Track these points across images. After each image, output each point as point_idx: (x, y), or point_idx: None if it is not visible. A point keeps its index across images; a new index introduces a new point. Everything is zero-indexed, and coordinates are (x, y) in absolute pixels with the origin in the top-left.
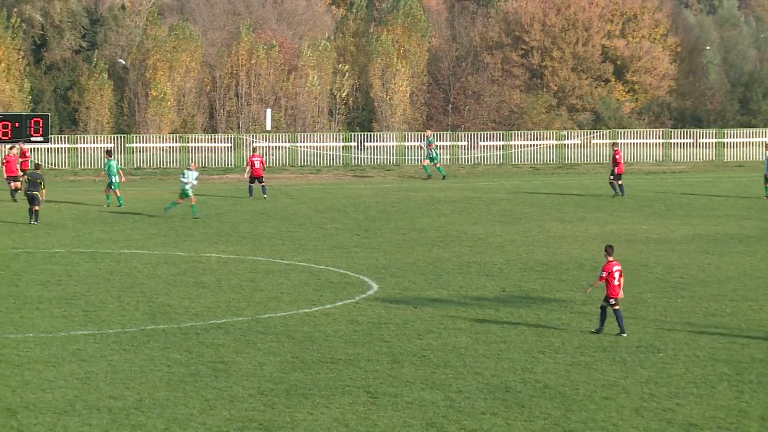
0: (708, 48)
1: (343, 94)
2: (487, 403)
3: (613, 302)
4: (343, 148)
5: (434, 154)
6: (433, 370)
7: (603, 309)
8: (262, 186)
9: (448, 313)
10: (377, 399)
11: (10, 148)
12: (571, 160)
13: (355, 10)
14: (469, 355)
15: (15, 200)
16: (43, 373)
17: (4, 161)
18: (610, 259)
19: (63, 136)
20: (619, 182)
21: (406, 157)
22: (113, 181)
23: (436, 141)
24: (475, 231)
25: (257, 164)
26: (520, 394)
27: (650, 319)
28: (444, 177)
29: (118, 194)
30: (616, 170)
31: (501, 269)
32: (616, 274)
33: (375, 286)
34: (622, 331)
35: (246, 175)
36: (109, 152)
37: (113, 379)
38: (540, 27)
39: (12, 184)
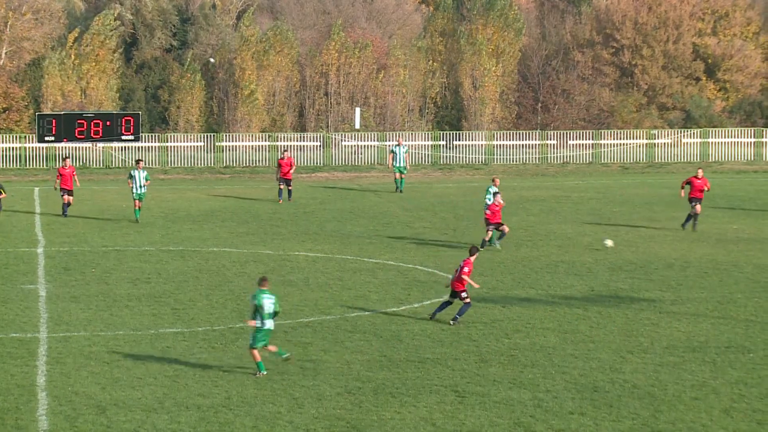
0: None
1: (433, 93)
2: (575, 402)
3: (465, 295)
4: (431, 147)
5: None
6: (521, 369)
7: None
8: (289, 190)
9: (536, 312)
10: (464, 398)
11: (64, 159)
12: (661, 159)
13: (443, 9)
14: (557, 354)
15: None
16: (132, 371)
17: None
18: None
19: (153, 134)
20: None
21: (495, 156)
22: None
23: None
24: (564, 230)
25: (285, 167)
26: (609, 394)
27: (740, 320)
28: (401, 191)
29: (138, 206)
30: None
31: (589, 269)
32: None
33: None
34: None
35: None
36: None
37: (201, 376)
38: (631, 25)
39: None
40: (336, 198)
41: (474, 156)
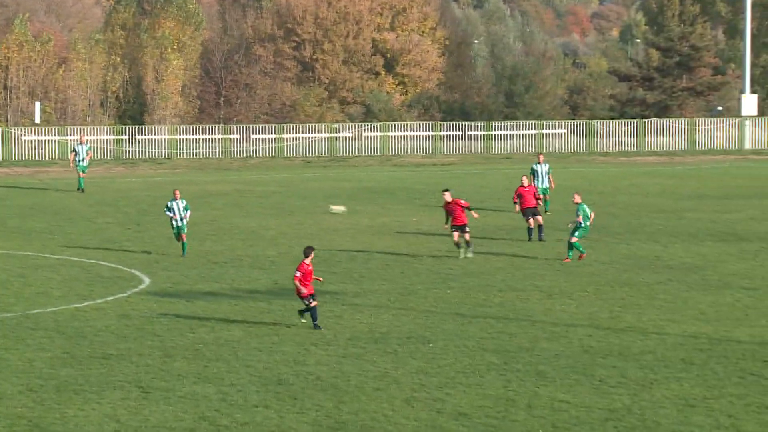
0: (476, 42)
1: (115, 87)
2: (259, 395)
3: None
4: (114, 142)
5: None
6: (206, 363)
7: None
8: None
9: (221, 306)
10: (149, 393)
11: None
12: (342, 152)
13: (125, 3)
14: (242, 348)
15: None
16: None
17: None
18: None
19: None
20: None
21: (179, 150)
22: None
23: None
24: (248, 224)
25: None
26: (293, 386)
27: (420, 310)
28: (83, 190)
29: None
30: None
31: (273, 262)
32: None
33: (147, 281)
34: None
35: None
36: None
37: None
38: (312, 19)
39: None
40: (17, 194)
41: (157, 150)
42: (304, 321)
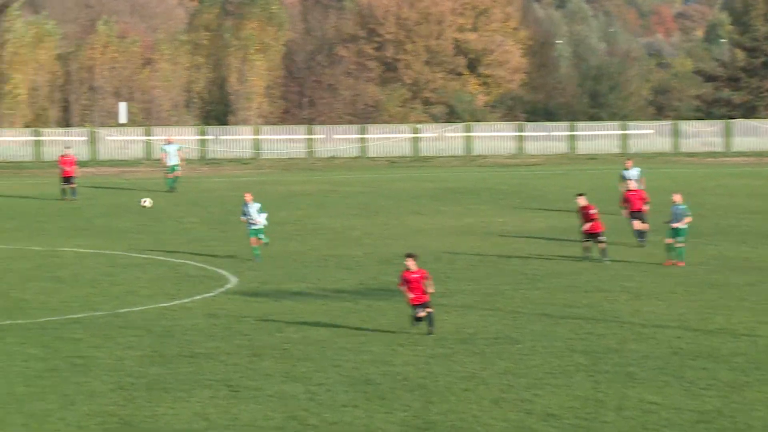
0: (560, 41)
1: (199, 88)
2: (347, 395)
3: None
4: (199, 142)
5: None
6: (294, 363)
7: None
8: (72, 188)
9: (308, 306)
10: (238, 392)
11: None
12: (426, 153)
13: (208, 3)
14: (330, 347)
15: None
16: None
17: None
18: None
19: None
20: None
21: (262, 150)
22: None
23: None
24: (333, 224)
25: (67, 165)
26: (381, 386)
27: (507, 311)
28: (173, 190)
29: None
30: None
31: (359, 262)
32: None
33: (234, 280)
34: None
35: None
36: None
37: None
38: (394, 20)
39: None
40: (103, 194)
41: (241, 150)
42: (423, 327)
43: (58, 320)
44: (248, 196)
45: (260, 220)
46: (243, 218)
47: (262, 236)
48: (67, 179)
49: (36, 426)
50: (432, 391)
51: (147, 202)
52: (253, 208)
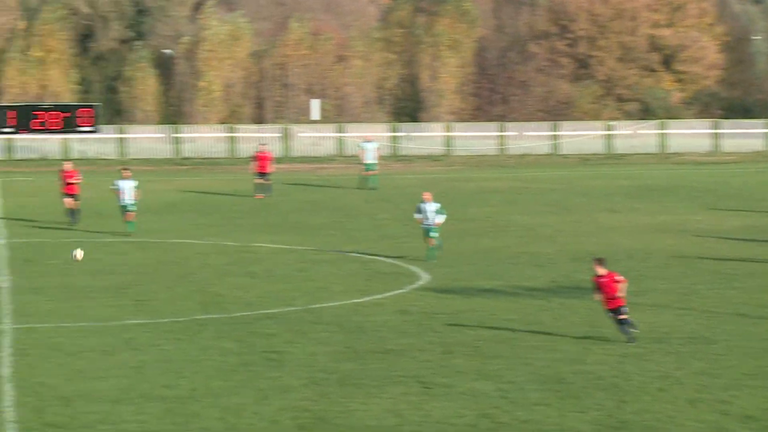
0: (759, 37)
1: (391, 85)
2: (539, 394)
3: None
4: (391, 138)
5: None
6: (485, 360)
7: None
8: (268, 184)
9: (499, 303)
10: (430, 389)
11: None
12: (619, 150)
13: (401, 1)
14: (521, 345)
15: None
16: (97, 362)
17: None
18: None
19: (111, 126)
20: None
21: (454, 147)
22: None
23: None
24: (525, 221)
25: (264, 161)
26: (573, 385)
27: (702, 311)
28: (373, 188)
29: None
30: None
31: (551, 260)
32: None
33: (425, 276)
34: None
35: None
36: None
37: (166, 368)
38: (586, 16)
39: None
40: (297, 190)
41: (433, 147)
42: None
43: (253, 315)
44: (427, 195)
45: (437, 220)
46: (417, 216)
47: (435, 235)
48: (262, 174)
49: (232, 420)
50: (625, 390)
51: (78, 254)
52: (431, 207)
